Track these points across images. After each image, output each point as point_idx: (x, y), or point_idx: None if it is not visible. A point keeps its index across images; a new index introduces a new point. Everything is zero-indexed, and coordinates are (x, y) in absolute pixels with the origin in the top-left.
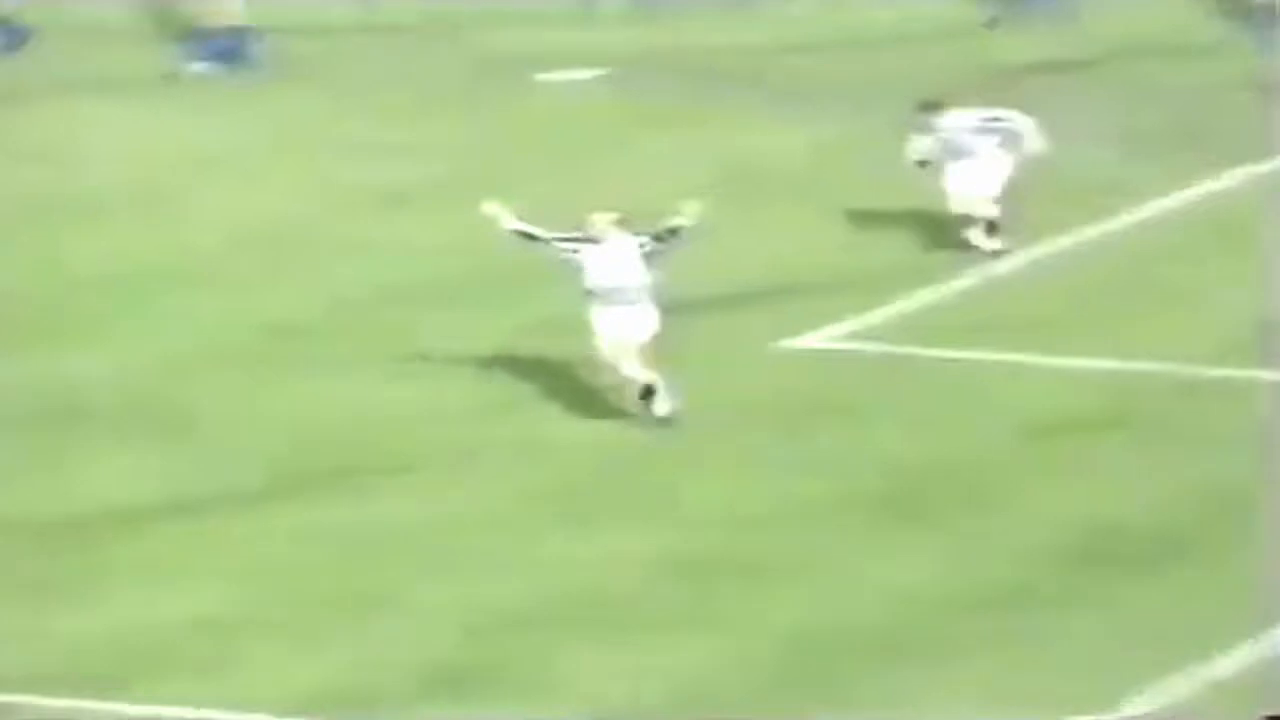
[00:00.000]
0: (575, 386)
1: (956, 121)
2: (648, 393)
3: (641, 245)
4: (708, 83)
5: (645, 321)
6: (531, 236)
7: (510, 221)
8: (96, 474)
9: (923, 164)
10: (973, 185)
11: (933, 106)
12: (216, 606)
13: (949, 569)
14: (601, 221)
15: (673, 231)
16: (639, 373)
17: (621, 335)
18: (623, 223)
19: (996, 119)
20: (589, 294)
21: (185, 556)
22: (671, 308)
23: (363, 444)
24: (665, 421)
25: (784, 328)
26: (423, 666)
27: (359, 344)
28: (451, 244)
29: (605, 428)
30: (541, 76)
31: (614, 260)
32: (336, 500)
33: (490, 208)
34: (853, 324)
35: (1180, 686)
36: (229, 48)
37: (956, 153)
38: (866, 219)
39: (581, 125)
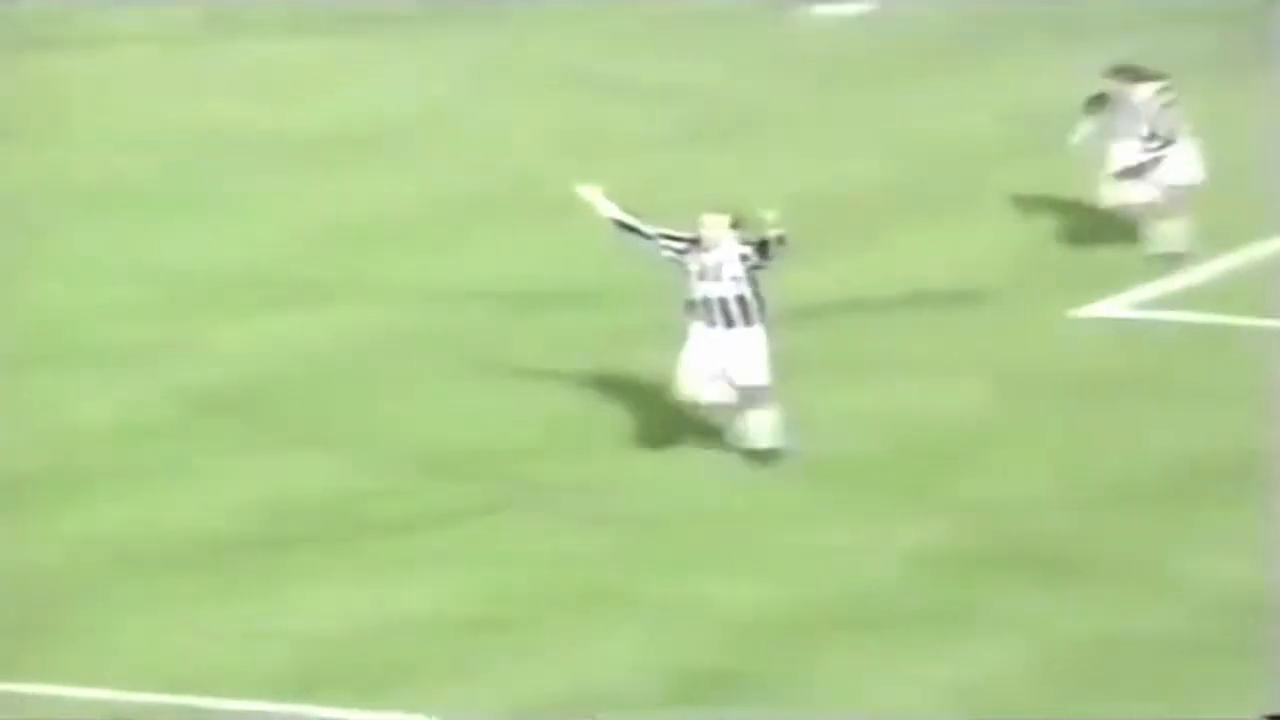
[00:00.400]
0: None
1: (1152, 96)
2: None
3: (744, 257)
4: (994, 17)
5: (750, 345)
6: (630, 228)
7: (607, 208)
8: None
9: (1086, 144)
10: (1148, 173)
11: (1127, 73)
12: (455, 607)
13: (1268, 564)
14: (712, 223)
15: (765, 244)
16: (716, 397)
17: (720, 358)
18: (736, 226)
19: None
20: (690, 305)
21: (424, 557)
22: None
23: (601, 426)
24: (771, 454)
25: (1080, 295)
26: (670, 669)
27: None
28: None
29: (871, 394)
30: (800, 9)
31: (718, 270)
32: (576, 497)
33: (587, 191)
34: (1151, 290)
35: None
36: None
37: (1140, 133)
38: None
39: (844, 66)
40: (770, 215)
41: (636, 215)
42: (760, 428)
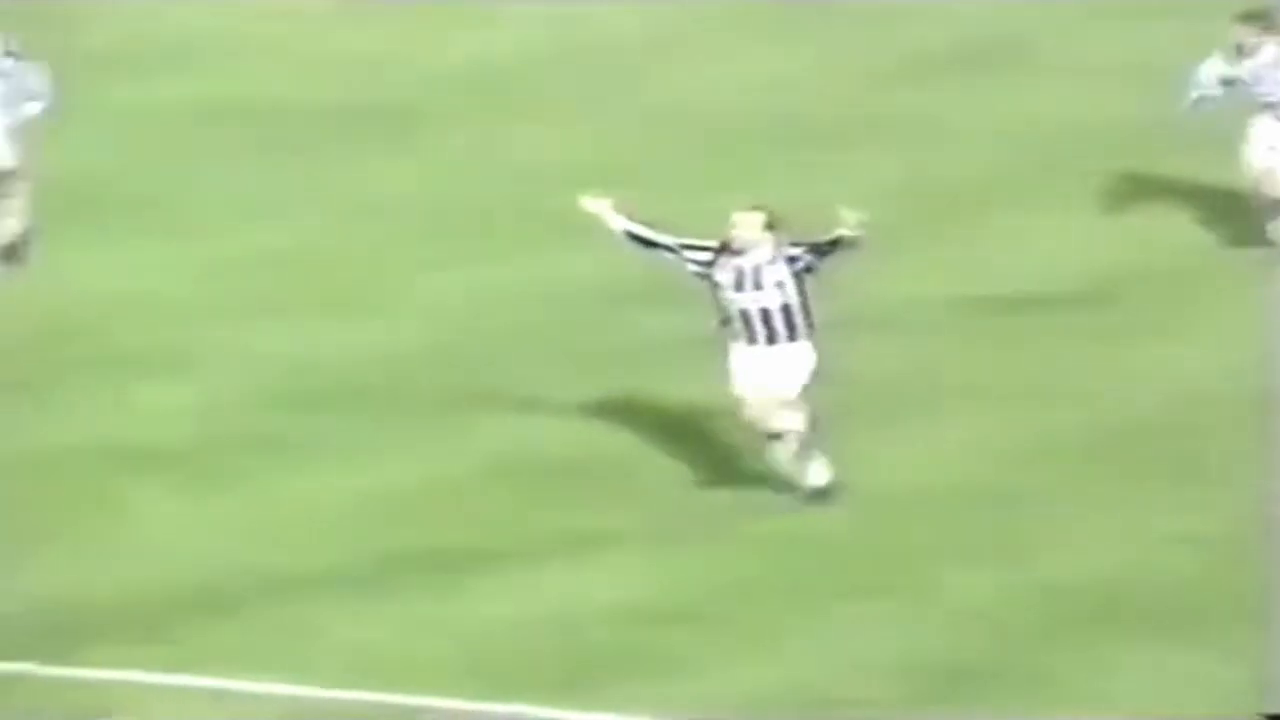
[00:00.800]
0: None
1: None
2: (800, 454)
3: (793, 259)
4: None
5: (797, 363)
6: (645, 241)
7: (617, 220)
8: None
9: (1201, 100)
10: None
11: (1259, 20)
12: (667, 600)
13: None
14: (746, 223)
15: (834, 243)
16: (788, 423)
17: (765, 380)
18: (772, 226)
19: None
20: (726, 322)
21: (630, 547)
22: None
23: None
24: (821, 494)
25: None
26: (904, 665)
27: None
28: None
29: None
30: None
31: (758, 277)
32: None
33: (592, 203)
34: None
35: None
36: None
37: (1273, 98)
38: None
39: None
40: (852, 216)
41: None
42: (816, 462)
